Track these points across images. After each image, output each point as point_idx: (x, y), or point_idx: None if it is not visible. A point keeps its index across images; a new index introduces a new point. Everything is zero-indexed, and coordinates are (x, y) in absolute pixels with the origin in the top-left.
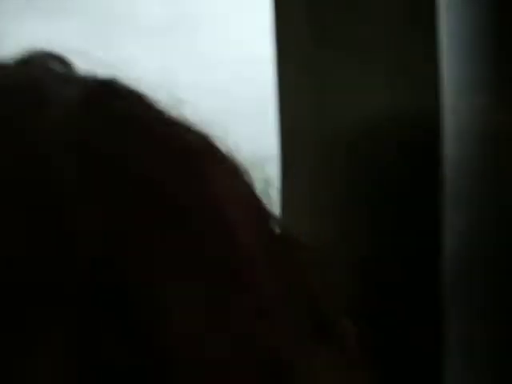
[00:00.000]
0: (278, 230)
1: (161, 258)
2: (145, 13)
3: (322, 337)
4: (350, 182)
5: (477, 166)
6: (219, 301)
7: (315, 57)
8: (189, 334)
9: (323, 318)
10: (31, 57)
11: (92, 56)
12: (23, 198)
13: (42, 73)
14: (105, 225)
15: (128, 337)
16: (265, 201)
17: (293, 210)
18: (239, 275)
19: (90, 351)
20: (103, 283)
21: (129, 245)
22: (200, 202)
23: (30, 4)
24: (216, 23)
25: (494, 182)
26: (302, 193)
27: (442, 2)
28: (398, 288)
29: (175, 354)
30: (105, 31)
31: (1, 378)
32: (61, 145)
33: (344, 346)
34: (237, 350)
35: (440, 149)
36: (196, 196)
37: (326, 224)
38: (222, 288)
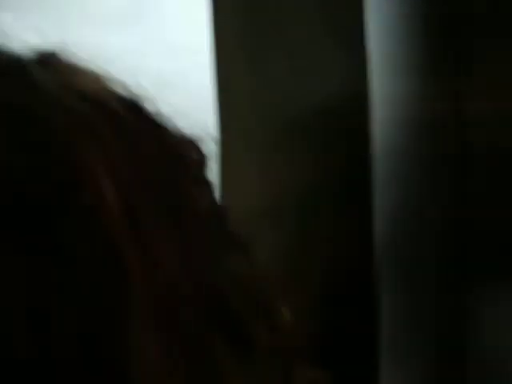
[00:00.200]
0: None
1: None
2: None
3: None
4: (284, 168)
5: (408, 151)
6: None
7: (250, 43)
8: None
9: (239, 323)
10: None
11: (52, 41)
12: None
13: None
14: None
15: None
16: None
17: (231, 191)
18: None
19: None
20: None
21: None
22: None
23: None
24: (154, 15)
25: (428, 167)
26: (241, 179)
27: None
28: (330, 272)
29: None
30: (63, 19)
31: None
32: None
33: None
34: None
35: (370, 135)
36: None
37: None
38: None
